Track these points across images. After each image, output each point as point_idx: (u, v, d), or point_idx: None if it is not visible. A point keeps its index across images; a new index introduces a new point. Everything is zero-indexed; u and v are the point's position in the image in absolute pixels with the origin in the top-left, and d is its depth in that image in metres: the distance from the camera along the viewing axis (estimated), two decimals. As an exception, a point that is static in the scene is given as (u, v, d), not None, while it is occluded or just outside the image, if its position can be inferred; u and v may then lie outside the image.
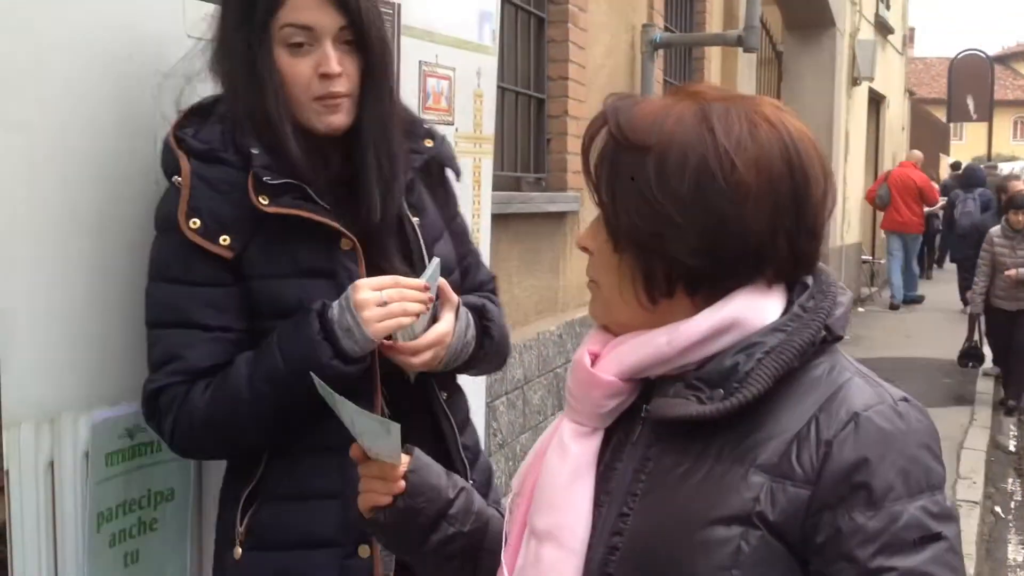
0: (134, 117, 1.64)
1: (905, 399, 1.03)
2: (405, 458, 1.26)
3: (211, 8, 1.79)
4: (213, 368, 1.50)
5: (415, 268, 1.61)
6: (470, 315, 1.65)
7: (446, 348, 1.58)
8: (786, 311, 1.05)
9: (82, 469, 1.57)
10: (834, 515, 0.97)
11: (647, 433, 1.09)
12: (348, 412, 1.24)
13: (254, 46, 1.52)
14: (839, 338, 1.07)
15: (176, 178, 1.50)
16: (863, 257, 13.90)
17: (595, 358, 1.11)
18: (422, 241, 1.63)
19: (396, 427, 1.20)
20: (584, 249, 1.13)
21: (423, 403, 1.66)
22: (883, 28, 14.42)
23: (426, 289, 1.52)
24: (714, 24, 7.64)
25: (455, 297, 1.62)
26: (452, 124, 2.70)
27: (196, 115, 1.58)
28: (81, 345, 1.57)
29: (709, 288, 1.05)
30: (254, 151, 1.50)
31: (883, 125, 15.54)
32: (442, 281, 1.59)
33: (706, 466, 1.03)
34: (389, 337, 1.52)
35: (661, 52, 6.08)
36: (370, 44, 1.55)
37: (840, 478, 0.98)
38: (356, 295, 1.48)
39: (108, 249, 1.60)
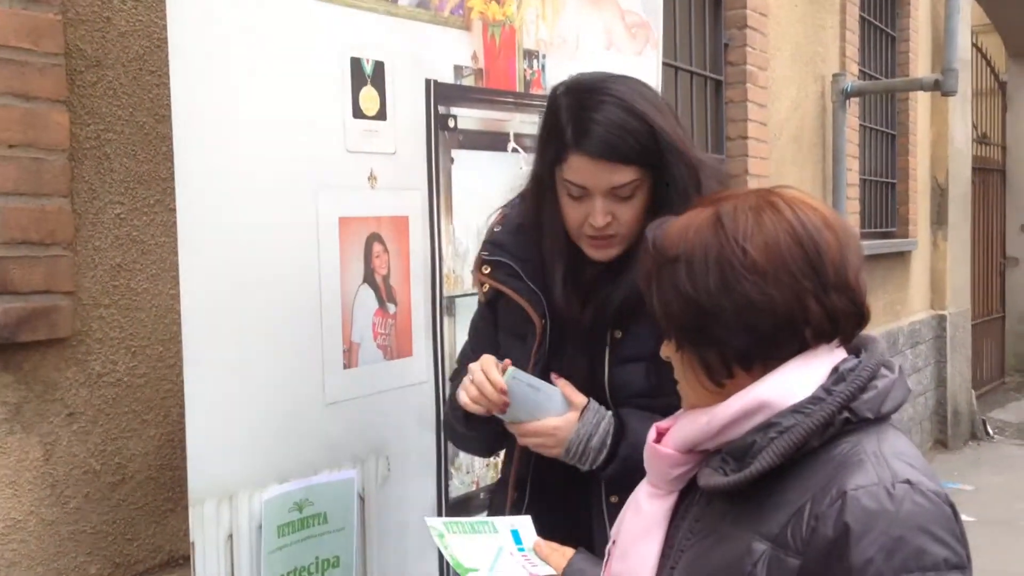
0: (297, 227, 1.85)
1: (907, 482, 1.07)
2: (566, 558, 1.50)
3: (369, 124, 2.01)
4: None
5: (595, 372, 1.72)
6: (610, 424, 1.69)
7: (560, 441, 1.67)
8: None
9: (257, 540, 1.78)
10: None
11: (701, 498, 1.23)
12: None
13: (546, 183, 1.71)
14: (870, 419, 1.14)
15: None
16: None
17: (665, 432, 1.27)
18: (608, 354, 1.72)
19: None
20: (666, 359, 1.28)
21: (584, 501, 1.76)
22: (1125, 48, 13.34)
23: (502, 392, 1.64)
24: (920, 65, 7.39)
25: (581, 398, 1.69)
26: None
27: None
28: (255, 430, 1.78)
29: (761, 361, 1.17)
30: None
31: None
32: (566, 384, 1.70)
33: (725, 530, 1.16)
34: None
35: (857, 99, 5.97)
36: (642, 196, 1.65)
37: (824, 551, 1.06)
38: (477, 363, 1.69)
39: (276, 348, 1.81)
